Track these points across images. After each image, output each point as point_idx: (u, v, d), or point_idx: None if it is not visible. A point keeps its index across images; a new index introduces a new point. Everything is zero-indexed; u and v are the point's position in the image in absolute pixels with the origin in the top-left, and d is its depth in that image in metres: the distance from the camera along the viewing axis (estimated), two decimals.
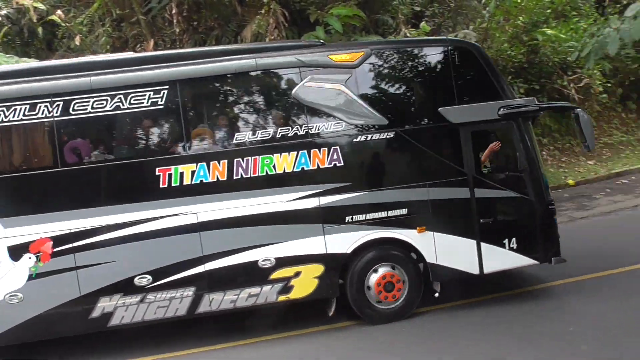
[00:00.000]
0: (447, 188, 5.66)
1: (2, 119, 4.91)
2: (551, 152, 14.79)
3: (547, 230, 5.89)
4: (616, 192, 12.26)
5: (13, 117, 4.91)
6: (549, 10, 14.55)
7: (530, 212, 5.87)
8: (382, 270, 5.68)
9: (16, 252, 4.84)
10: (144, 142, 5.30)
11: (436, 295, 5.95)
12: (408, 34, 12.35)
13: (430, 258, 5.68)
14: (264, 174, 5.30)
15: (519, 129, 5.81)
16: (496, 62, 14.38)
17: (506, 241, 5.77)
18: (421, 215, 5.63)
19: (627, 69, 16.21)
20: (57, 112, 4.94)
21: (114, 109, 5.05)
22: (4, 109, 4.90)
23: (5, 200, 4.90)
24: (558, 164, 14.35)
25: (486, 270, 5.82)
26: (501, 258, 5.80)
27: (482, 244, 5.75)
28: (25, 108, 4.86)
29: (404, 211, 5.59)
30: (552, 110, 14.25)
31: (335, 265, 5.52)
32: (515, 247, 5.80)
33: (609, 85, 15.65)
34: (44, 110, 4.89)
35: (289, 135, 5.39)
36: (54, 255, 4.91)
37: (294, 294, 5.45)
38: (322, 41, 7.11)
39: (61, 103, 4.96)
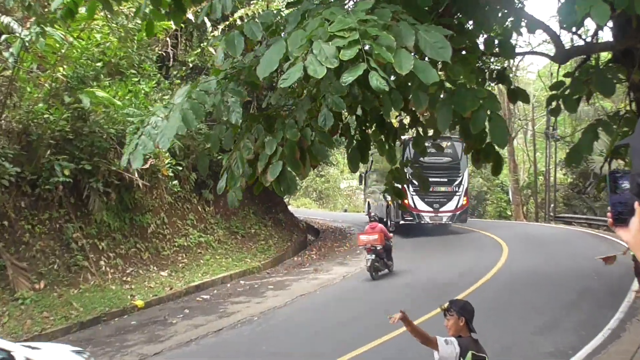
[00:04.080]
0: None
1: None
2: (112, 260, 15.67)
3: None
4: (196, 313, 14.03)
5: None
6: (100, 64, 15.93)
7: None
8: None
9: None
10: None
11: None
12: None
13: None
14: None
15: None
16: (27, 128, 14.52)
17: None
18: None
19: (201, 148, 19.25)
20: None
21: None
22: None
23: None
24: (122, 277, 15.31)
25: None
26: None
27: None
28: None
29: None
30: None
31: None
32: None
33: (180, 168, 18.14)
34: None
35: None
36: None
37: None
38: None
39: None
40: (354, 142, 5.66)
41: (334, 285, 16.73)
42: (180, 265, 17.57)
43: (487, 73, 6.09)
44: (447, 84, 4.84)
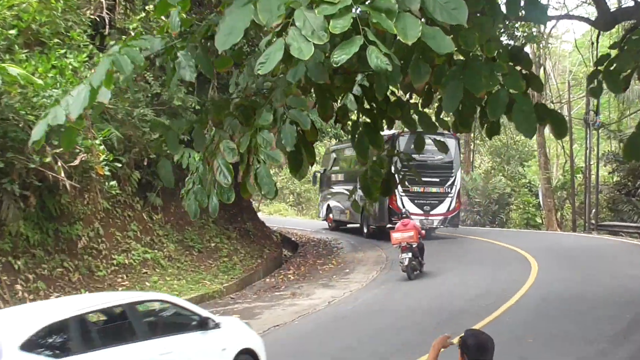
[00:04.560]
0: None
1: None
2: (31, 283, 15.53)
3: None
4: None
5: None
6: (14, 31, 15.78)
7: None
8: None
9: None
10: None
11: None
12: None
13: None
14: None
15: None
16: None
17: None
18: None
19: (145, 139, 18.99)
20: None
21: None
22: None
23: None
24: None
25: None
26: None
27: None
28: None
29: None
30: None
31: None
32: None
33: (120, 165, 17.97)
34: None
35: None
36: None
37: None
38: None
39: None
40: (359, 127, 5.65)
41: (317, 312, 16.77)
42: (120, 288, 17.49)
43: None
44: (459, 56, 4.82)
